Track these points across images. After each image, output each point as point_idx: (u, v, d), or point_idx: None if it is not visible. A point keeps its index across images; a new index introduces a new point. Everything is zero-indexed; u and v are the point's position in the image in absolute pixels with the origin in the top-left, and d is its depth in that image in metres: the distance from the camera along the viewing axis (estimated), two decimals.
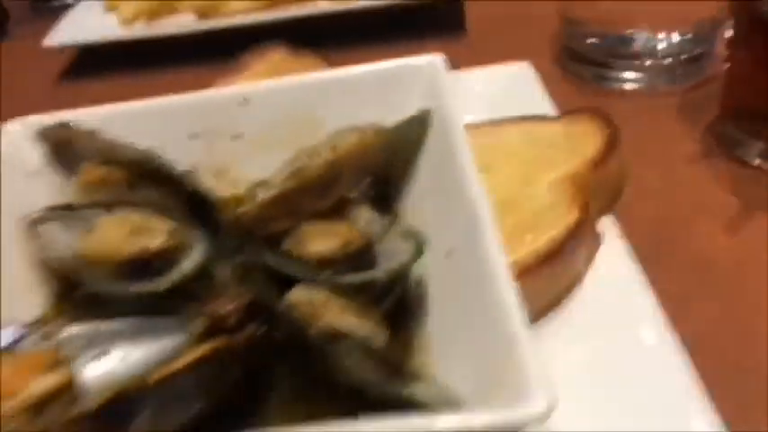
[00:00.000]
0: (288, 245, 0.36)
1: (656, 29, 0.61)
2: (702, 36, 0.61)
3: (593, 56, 0.64)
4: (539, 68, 0.59)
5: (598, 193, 0.44)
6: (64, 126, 0.41)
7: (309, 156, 0.38)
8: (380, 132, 0.38)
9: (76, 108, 0.43)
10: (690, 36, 0.61)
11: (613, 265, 0.41)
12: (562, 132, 0.48)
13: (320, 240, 0.36)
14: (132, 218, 0.37)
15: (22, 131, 0.41)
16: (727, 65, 0.54)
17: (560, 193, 0.43)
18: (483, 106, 0.53)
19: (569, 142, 0.47)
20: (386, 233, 0.37)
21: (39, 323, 0.35)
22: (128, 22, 0.85)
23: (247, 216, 0.37)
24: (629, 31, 0.62)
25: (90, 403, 0.26)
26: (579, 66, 0.65)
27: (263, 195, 0.37)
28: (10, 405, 0.26)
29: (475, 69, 0.60)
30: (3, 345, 0.32)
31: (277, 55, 0.62)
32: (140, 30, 0.84)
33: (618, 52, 0.63)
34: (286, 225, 0.37)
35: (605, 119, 0.48)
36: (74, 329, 0.32)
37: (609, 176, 0.45)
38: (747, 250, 0.45)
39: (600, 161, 0.45)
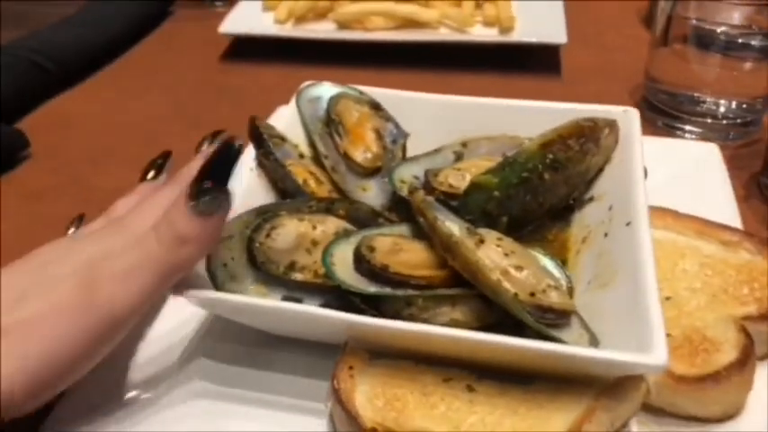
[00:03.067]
0: None
1: (719, 95, 0.78)
2: (754, 106, 0.78)
3: (666, 108, 0.81)
4: None
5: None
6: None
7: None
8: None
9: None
10: (745, 105, 0.78)
11: None
12: (745, 262, 0.51)
13: None
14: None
15: None
16: None
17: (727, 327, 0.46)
18: (662, 178, 0.63)
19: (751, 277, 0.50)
20: None
21: None
22: (282, 21, 1.03)
23: None
24: (697, 94, 0.79)
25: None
26: (653, 114, 0.82)
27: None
28: None
29: (662, 138, 0.74)
30: None
31: None
32: (293, 30, 1.02)
33: (686, 109, 0.80)
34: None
35: None
36: None
37: None
38: None
39: None
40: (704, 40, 0.77)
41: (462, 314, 0.48)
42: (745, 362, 0.44)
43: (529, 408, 0.42)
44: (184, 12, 1.18)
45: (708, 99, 0.79)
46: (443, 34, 1.00)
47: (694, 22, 0.76)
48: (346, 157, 0.61)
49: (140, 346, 0.52)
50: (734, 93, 0.78)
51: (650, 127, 0.82)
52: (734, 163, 0.75)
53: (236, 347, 0.52)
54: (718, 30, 0.76)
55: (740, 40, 0.76)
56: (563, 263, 0.54)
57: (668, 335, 0.46)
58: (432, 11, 1.01)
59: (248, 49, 1.03)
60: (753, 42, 0.75)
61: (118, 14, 1.06)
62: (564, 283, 0.51)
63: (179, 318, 0.53)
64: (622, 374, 0.42)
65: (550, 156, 0.55)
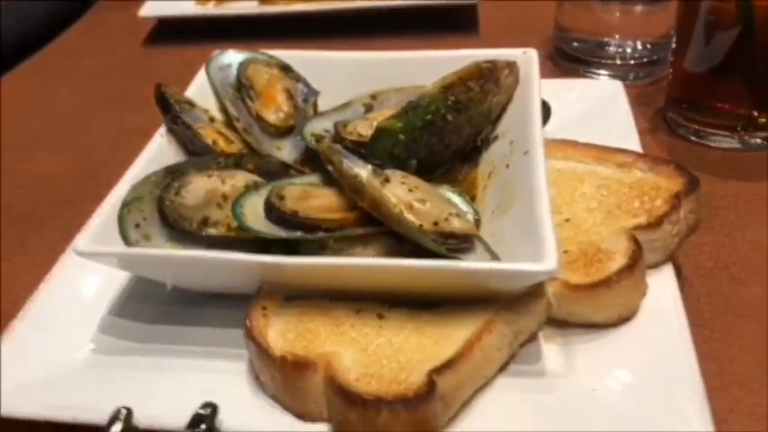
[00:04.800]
0: None
1: (624, 38, 0.81)
2: (658, 46, 0.81)
3: (577, 55, 0.84)
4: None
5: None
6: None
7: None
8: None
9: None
10: (649, 45, 0.81)
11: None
12: (638, 179, 0.53)
13: None
14: None
15: None
16: (670, 69, 0.74)
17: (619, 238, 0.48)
18: (569, 115, 0.66)
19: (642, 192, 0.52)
20: None
21: None
22: (202, 1, 1.04)
23: None
24: (604, 38, 0.82)
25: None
26: (567, 62, 0.85)
27: None
28: None
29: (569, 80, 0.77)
30: None
31: None
32: (214, 9, 1.03)
33: (595, 54, 0.83)
34: None
35: (688, 176, 0.52)
36: None
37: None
38: None
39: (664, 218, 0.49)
40: None
41: (375, 252, 0.50)
42: (633, 266, 0.46)
43: (435, 327, 0.45)
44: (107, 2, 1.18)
45: (614, 43, 0.82)
46: (361, 2, 1.01)
47: None
48: (259, 118, 0.62)
49: (66, 310, 0.52)
50: (637, 35, 0.81)
51: (565, 75, 0.85)
52: (642, 100, 0.78)
53: (159, 307, 0.53)
54: None
55: None
56: (472, 198, 0.56)
57: (566, 251, 0.49)
58: None
59: (171, 33, 1.03)
60: None
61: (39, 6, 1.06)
62: (470, 215, 0.53)
63: (101, 285, 0.54)
64: (519, 286, 0.45)
65: (452, 97, 0.57)
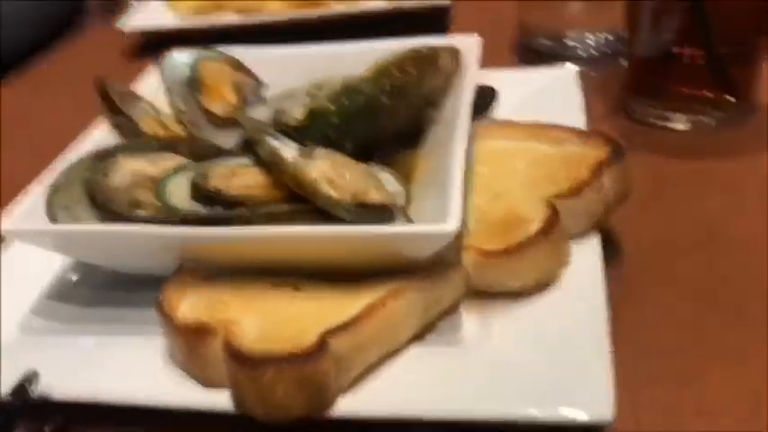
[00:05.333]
0: None
1: (586, 32, 0.81)
2: (619, 37, 0.81)
3: (543, 51, 0.84)
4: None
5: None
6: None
7: None
8: None
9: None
10: (611, 37, 0.81)
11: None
12: (568, 153, 0.53)
13: None
14: None
15: None
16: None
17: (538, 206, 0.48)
18: (517, 103, 0.67)
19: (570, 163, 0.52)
20: None
21: None
22: (182, 15, 1.06)
23: None
24: (567, 31, 0.82)
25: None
26: (532, 59, 0.85)
27: None
28: None
29: (524, 69, 0.78)
30: None
31: None
32: (194, 21, 1.05)
33: (557, 49, 0.83)
34: None
35: (613, 145, 0.52)
36: None
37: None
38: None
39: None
40: None
41: None
42: (548, 231, 0.46)
43: (346, 295, 0.44)
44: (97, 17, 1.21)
45: (575, 37, 0.82)
46: (333, 8, 1.03)
47: None
48: (206, 111, 0.63)
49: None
50: (598, 28, 0.81)
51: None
52: (601, 90, 0.78)
53: (94, 291, 0.54)
54: None
55: None
56: (407, 179, 0.56)
57: (489, 222, 0.49)
58: None
59: (154, 48, 1.05)
60: None
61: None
62: (400, 193, 0.53)
63: (39, 268, 0.55)
64: (426, 249, 0.44)
65: (387, 81, 0.58)
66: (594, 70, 0.81)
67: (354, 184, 0.49)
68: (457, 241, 0.47)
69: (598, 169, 0.49)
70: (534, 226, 0.46)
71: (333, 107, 0.56)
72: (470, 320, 0.47)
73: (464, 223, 0.49)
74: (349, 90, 0.57)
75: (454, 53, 0.62)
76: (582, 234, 0.50)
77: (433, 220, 0.45)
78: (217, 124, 0.63)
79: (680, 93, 0.68)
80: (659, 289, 0.51)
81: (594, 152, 0.51)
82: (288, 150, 0.52)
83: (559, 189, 0.49)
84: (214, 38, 1.00)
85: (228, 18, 1.05)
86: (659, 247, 0.54)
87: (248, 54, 0.69)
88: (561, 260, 0.47)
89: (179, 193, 0.51)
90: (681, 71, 0.68)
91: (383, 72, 0.58)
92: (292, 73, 0.67)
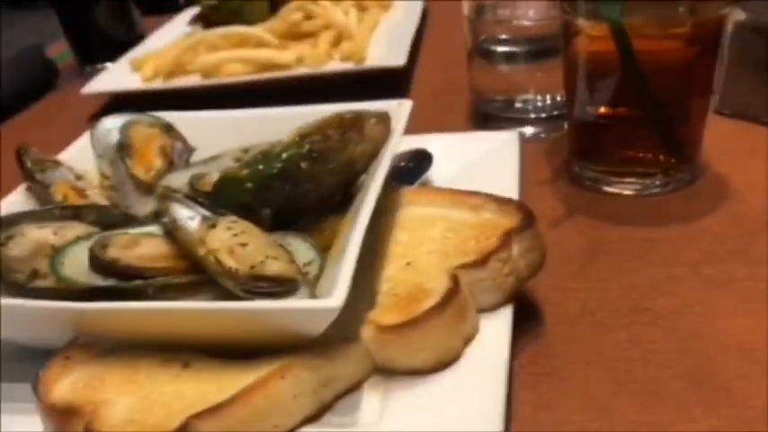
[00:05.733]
0: None
1: (533, 94, 0.80)
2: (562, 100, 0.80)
3: (492, 113, 0.83)
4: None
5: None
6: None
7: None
8: None
9: None
10: (558, 98, 0.80)
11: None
12: (482, 221, 0.51)
13: None
14: None
15: None
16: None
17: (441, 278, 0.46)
18: (454, 168, 0.66)
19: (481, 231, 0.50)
20: None
21: None
22: (148, 79, 1.07)
23: None
24: (512, 96, 0.81)
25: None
26: (486, 122, 0.84)
27: None
28: None
29: (468, 133, 0.78)
30: None
31: None
32: (158, 85, 1.06)
33: (504, 111, 0.82)
34: None
35: (525, 213, 0.50)
36: None
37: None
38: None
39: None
40: (507, 51, 0.79)
41: (203, 300, 0.49)
42: (445, 305, 0.43)
43: (230, 375, 0.42)
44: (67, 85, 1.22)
45: (521, 99, 0.81)
46: (295, 72, 1.03)
47: (495, 35, 0.80)
48: (132, 176, 0.62)
49: None
50: (542, 91, 0.80)
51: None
52: (549, 153, 0.76)
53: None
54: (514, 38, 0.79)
55: (533, 46, 0.78)
56: (326, 248, 0.54)
57: (395, 294, 0.47)
58: (288, 53, 1.04)
59: (121, 108, 1.06)
60: (546, 44, 0.77)
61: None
62: (314, 262, 0.51)
63: None
64: (313, 326, 0.42)
65: (307, 146, 0.56)
66: (545, 132, 0.80)
67: (255, 255, 0.48)
68: (357, 315, 0.45)
69: (506, 238, 0.47)
70: (433, 299, 0.44)
71: (245, 172, 0.55)
72: (371, 400, 0.44)
73: (368, 296, 0.47)
74: (266, 155, 0.56)
75: (383, 118, 0.61)
76: (494, 307, 0.47)
77: (328, 293, 0.42)
78: (142, 189, 0.62)
79: (620, 156, 0.67)
80: (575, 367, 0.48)
81: (506, 220, 0.50)
82: (192, 220, 0.51)
83: (466, 259, 0.47)
84: (180, 99, 1.02)
85: (191, 80, 1.05)
86: (581, 321, 0.52)
87: (184, 119, 0.68)
88: (465, 336, 0.45)
89: (78, 264, 0.49)
90: (620, 133, 0.66)
91: (304, 136, 0.57)
92: (226, 137, 0.67)
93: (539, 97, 0.80)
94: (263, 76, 1.01)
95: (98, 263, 0.48)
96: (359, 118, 0.60)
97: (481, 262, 0.46)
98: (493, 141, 0.71)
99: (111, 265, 0.48)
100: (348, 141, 0.58)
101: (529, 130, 0.80)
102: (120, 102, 1.06)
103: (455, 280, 0.45)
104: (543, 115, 0.80)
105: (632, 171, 0.66)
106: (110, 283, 0.48)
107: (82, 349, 0.45)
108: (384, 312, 0.45)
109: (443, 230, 0.52)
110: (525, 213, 0.49)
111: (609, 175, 0.67)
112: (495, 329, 0.46)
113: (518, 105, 0.81)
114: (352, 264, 0.43)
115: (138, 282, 0.48)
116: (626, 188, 0.67)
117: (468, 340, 0.45)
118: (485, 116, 0.84)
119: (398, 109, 0.62)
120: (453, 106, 0.91)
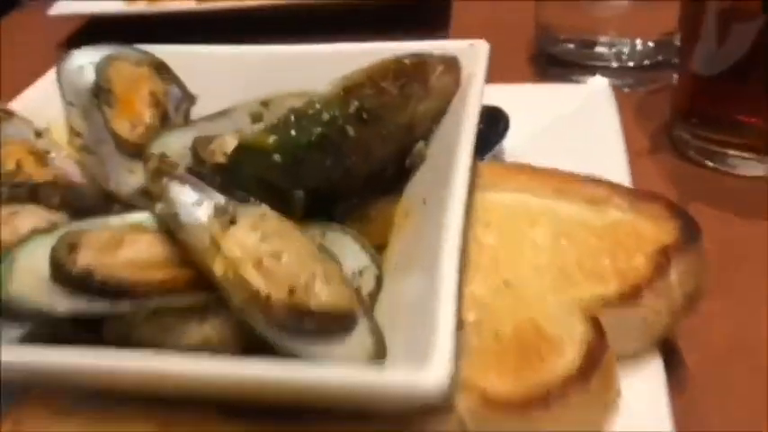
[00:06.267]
0: None
1: (621, 35, 0.65)
2: (664, 44, 0.64)
3: (565, 58, 0.68)
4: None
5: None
6: None
7: None
8: None
9: None
10: (652, 44, 0.64)
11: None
12: (612, 223, 0.36)
13: None
14: None
15: None
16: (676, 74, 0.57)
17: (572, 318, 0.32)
18: (534, 134, 0.52)
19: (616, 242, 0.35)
20: None
21: None
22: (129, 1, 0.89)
23: None
24: (598, 37, 0.66)
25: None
26: (551, 67, 0.69)
27: None
28: None
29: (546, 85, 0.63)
30: None
31: None
32: (144, 6, 0.88)
33: (586, 56, 0.66)
34: None
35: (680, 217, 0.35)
36: None
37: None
38: None
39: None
40: None
41: (215, 330, 0.34)
42: (590, 369, 0.29)
43: None
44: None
45: (607, 42, 0.65)
46: None
47: None
48: (113, 132, 0.46)
49: None
50: (637, 32, 0.64)
51: (549, 79, 0.68)
52: (643, 113, 0.62)
53: None
54: None
55: None
56: (382, 244, 0.40)
57: (497, 332, 0.32)
58: None
59: (97, 37, 0.88)
60: None
61: None
62: (370, 271, 0.37)
63: None
64: (385, 408, 0.27)
65: (355, 103, 0.41)
66: (631, 87, 0.64)
67: (295, 271, 0.33)
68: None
69: (663, 259, 0.32)
70: (569, 358, 0.29)
71: (272, 140, 0.39)
72: None
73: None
74: (300, 116, 0.40)
75: (451, 64, 0.45)
76: (634, 354, 0.33)
77: (406, 349, 0.28)
78: (126, 151, 0.46)
79: (751, 124, 0.52)
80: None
81: (654, 228, 0.34)
82: (198, 206, 0.35)
83: (604, 290, 0.32)
84: (174, 27, 0.84)
85: (185, 4, 0.87)
86: (736, 362, 0.38)
87: (180, 54, 0.52)
88: (606, 403, 0.30)
89: (34, 274, 0.34)
90: (752, 95, 0.51)
91: (350, 90, 0.41)
92: (237, 82, 0.50)
93: (627, 41, 0.64)
94: (272, 1, 0.84)
95: (64, 273, 0.33)
96: (423, 64, 0.44)
97: (631, 296, 0.31)
98: (578, 96, 0.55)
99: (84, 278, 0.33)
100: (409, 97, 0.43)
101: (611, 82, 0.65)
102: (96, 28, 0.90)
103: (596, 325, 0.30)
104: (631, 64, 0.65)
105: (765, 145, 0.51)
106: (80, 305, 0.33)
107: (35, 409, 0.31)
108: (489, 371, 0.30)
109: (552, 234, 0.37)
110: (686, 221, 0.34)
111: (733, 147, 0.53)
112: (645, 390, 0.32)
113: (599, 50, 0.65)
114: (451, 318, 0.27)
115: (125, 304, 0.33)
116: (756, 167, 0.52)
117: (608, 411, 0.31)
118: (555, 61, 0.68)
119: (470, 52, 0.46)
120: (507, 51, 0.75)
